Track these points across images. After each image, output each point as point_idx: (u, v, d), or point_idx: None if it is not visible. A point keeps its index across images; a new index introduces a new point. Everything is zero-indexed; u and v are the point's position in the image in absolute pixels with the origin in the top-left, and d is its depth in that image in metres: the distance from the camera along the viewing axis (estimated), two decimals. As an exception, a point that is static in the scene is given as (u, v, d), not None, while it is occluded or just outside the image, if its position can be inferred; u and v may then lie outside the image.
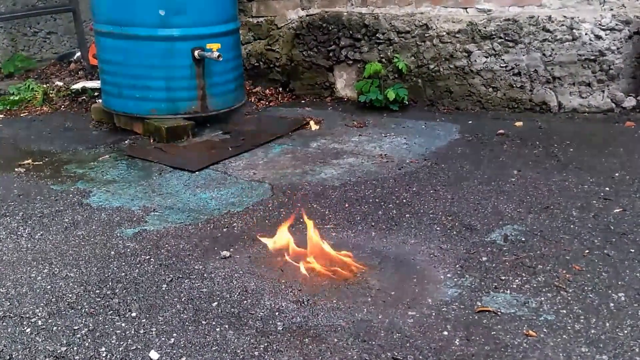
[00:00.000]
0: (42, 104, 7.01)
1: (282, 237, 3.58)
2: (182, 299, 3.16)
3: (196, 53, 5.72)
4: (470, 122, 5.90)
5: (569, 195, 4.19)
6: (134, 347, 2.80)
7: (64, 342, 2.85)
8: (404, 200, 4.24)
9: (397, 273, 3.35)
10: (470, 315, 2.95)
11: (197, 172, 4.90)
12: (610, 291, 3.09)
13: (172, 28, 5.66)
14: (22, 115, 6.78)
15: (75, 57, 8.76)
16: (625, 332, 2.77)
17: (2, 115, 6.76)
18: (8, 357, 2.76)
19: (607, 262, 3.34)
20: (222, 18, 5.99)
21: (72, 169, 5.08)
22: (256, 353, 2.73)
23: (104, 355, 2.75)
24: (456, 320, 2.92)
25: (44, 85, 7.44)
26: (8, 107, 6.92)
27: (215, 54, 5.65)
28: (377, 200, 4.27)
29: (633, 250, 3.45)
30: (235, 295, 3.17)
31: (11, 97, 7.11)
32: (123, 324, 2.97)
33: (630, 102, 5.73)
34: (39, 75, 8.26)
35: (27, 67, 8.58)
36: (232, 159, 5.18)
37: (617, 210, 3.94)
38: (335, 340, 2.80)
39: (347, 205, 4.20)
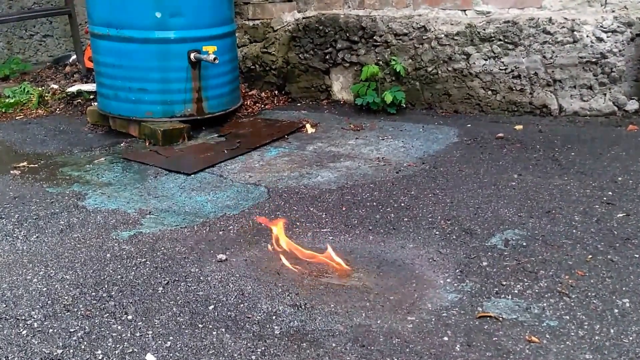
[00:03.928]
0: (38, 107, 6.99)
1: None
2: (179, 302, 3.13)
3: (192, 55, 5.70)
4: (469, 125, 5.86)
5: (570, 200, 4.14)
6: (130, 350, 2.78)
7: (60, 344, 2.84)
8: (402, 204, 4.19)
9: (395, 277, 3.31)
10: (470, 321, 2.90)
11: (192, 175, 4.87)
12: (614, 297, 3.04)
13: (168, 30, 5.64)
14: (17, 118, 6.75)
15: (70, 60, 8.74)
16: (630, 338, 2.72)
17: (-3, 118, 6.74)
18: (4, 359, 2.74)
19: (611, 268, 3.29)
20: (219, 20, 5.97)
21: (68, 171, 5.05)
22: (253, 357, 2.69)
23: (100, 358, 2.73)
24: (456, 325, 2.87)
25: (40, 88, 7.42)
26: (3, 110, 6.88)
27: (212, 56, 5.63)
28: (374, 203, 4.23)
29: (637, 256, 3.40)
30: (232, 299, 3.14)
31: (7, 100, 7.08)
32: (119, 327, 2.95)
33: (632, 105, 5.68)
34: (34, 78, 8.25)
35: (23, 70, 8.58)
36: (228, 161, 5.15)
37: (621, 214, 3.89)
38: (334, 345, 2.76)
39: (344, 209, 4.16)
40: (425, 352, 2.68)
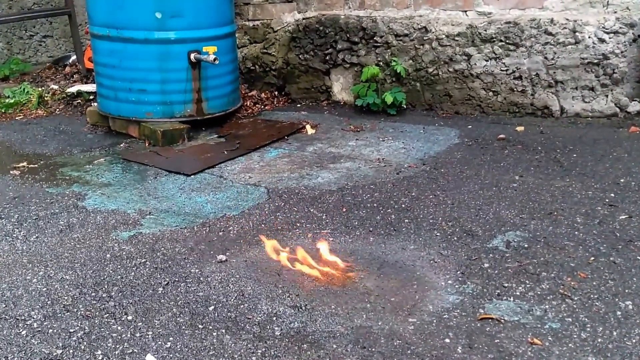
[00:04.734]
0: (38, 107, 6.97)
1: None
2: (179, 303, 3.12)
3: (192, 56, 5.70)
4: (470, 126, 5.84)
5: (572, 201, 4.12)
6: (130, 351, 2.77)
7: (60, 344, 2.83)
8: (403, 205, 4.18)
9: (396, 279, 3.29)
10: (472, 323, 2.88)
11: (192, 176, 4.85)
12: (617, 299, 3.02)
13: (168, 31, 5.63)
14: (17, 118, 6.74)
15: (70, 61, 8.74)
16: (634, 341, 2.71)
17: (-4, 118, 6.73)
18: (4, 359, 2.74)
19: (613, 270, 3.27)
20: (219, 21, 5.97)
21: (68, 172, 5.03)
22: (253, 358, 2.68)
23: (100, 358, 2.73)
24: (458, 327, 2.85)
25: (40, 89, 7.41)
26: (3, 110, 6.87)
27: (212, 57, 5.62)
28: (375, 205, 4.21)
29: None
30: (232, 300, 3.12)
31: (6, 100, 7.06)
32: (119, 327, 2.94)
33: (635, 106, 5.65)
34: (34, 78, 8.25)
35: (23, 70, 8.57)
36: (228, 162, 5.13)
37: (623, 216, 3.87)
38: (334, 346, 2.74)
39: (344, 210, 4.14)
40: (426, 354, 2.67)
